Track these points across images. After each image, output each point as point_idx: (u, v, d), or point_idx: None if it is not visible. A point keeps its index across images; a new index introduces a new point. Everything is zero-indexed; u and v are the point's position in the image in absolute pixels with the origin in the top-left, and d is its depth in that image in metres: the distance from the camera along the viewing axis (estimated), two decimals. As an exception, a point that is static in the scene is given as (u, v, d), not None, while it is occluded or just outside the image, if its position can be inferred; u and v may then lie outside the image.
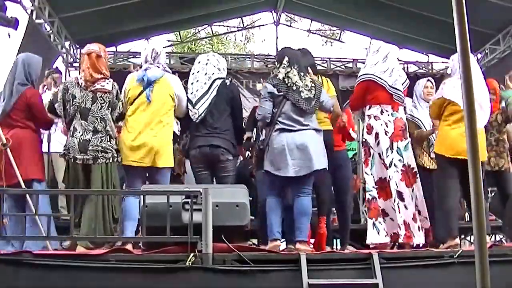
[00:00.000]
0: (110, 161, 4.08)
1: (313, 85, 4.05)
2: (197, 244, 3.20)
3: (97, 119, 4.07)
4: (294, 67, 4.03)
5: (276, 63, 4.24)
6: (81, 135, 4.03)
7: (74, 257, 3.40)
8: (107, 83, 4.16)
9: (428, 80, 5.14)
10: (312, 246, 4.56)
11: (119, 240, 4.06)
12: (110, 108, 4.14)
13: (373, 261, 3.32)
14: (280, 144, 3.94)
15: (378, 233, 4.15)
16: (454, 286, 3.40)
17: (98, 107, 4.09)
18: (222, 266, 3.25)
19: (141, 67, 4.43)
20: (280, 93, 3.98)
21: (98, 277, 3.21)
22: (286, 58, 4.07)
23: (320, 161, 3.95)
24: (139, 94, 4.18)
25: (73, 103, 4.08)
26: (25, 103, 4.23)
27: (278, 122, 3.99)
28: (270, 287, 3.32)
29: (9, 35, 4.42)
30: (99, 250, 3.69)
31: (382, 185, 4.22)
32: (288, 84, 3.98)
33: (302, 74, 4.04)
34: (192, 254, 3.17)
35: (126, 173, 4.27)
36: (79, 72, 4.24)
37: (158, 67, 4.30)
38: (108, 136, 4.09)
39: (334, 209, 5.47)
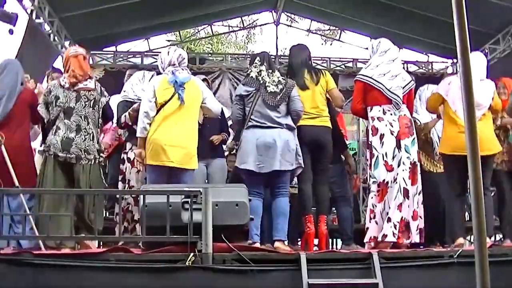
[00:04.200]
0: (92, 162, 4.11)
1: (281, 81, 4.28)
2: (197, 244, 3.20)
3: (81, 117, 4.12)
4: (264, 65, 4.33)
5: (249, 65, 4.56)
6: (64, 134, 4.06)
7: (74, 257, 3.40)
8: (89, 82, 4.23)
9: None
10: (316, 246, 4.58)
11: (119, 240, 4.06)
12: (95, 106, 4.19)
13: (373, 261, 3.31)
14: (250, 139, 4.17)
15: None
16: (454, 286, 3.40)
17: (82, 105, 4.15)
18: (222, 265, 3.25)
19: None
20: (250, 92, 4.25)
21: (98, 277, 3.21)
22: (258, 58, 4.40)
23: (285, 161, 4.11)
24: (172, 96, 4.18)
25: (57, 104, 4.11)
26: (27, 102, 4.32)
27: (250, 120, 4.22)
28: (270, 287, 3.32)
29: (11, 32, 4.42)
30: (99, 250, 3.69)
31: (381, 187, 4.21)
32: (261, 81, 4.27)
33: (270, 71, 4.31)
34: (192, 254, 3.17)
35: (151, 173, 4.23)
36: (61, 74, 4.29)
37: (184, 70, 4.34)
38: (91, 135, 4.12)
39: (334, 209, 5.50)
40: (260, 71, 4.30)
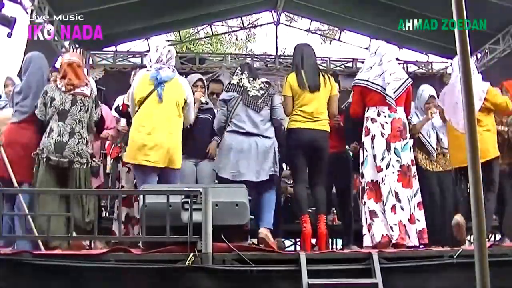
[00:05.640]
0: (85, 166, 4.13)
1: (263, 87, 4.49)
2: (197, 244, 3.20)
3: (75, 120, 4.14)
4: (244, 73, 4.53)
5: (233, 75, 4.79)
6: (57, 136, 4.06)
7: (74, 257, 3.39)
8: (86, 89, 4.26)
9: (432, 96, 5.09)
10: (316, 246, 4.58)
11: (118, 240, 4.05)
12: (88, 113, 4.22)
13: (373, 261, 3.31)
14: (227, 145, 4.31)
15: (373, 236, 4.14)
16: (454, 286, 3.40)
17: (77, 109, 4.17)
18: (222, 266, 3.25)
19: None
20: (232, 97, 4.41)
21: (98, 277, 3.21)
22: (239, 68, 4.65)
23: (262, 170, 4.25)
24: (150, 93, 4.17)
25: (52, 105, 4.13)
26: None
27: (230, 124, 4.37)
28: (270, 287, 3.32)
29: (10, 35, 4.42)
30: (99, 250, 3.69)
31: (373, 187, 4.24)
32: (242, 88, 4.45)
33: (251, 79, 4.51)
34: (192, 254, 3.17)
35: (137, 173, 4.24)
36: (57, 78, 4.31)
37: (169, 68, 4.32)
38: (84, 140, 4.15)
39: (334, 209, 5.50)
40: (241, 78, 4.49)
